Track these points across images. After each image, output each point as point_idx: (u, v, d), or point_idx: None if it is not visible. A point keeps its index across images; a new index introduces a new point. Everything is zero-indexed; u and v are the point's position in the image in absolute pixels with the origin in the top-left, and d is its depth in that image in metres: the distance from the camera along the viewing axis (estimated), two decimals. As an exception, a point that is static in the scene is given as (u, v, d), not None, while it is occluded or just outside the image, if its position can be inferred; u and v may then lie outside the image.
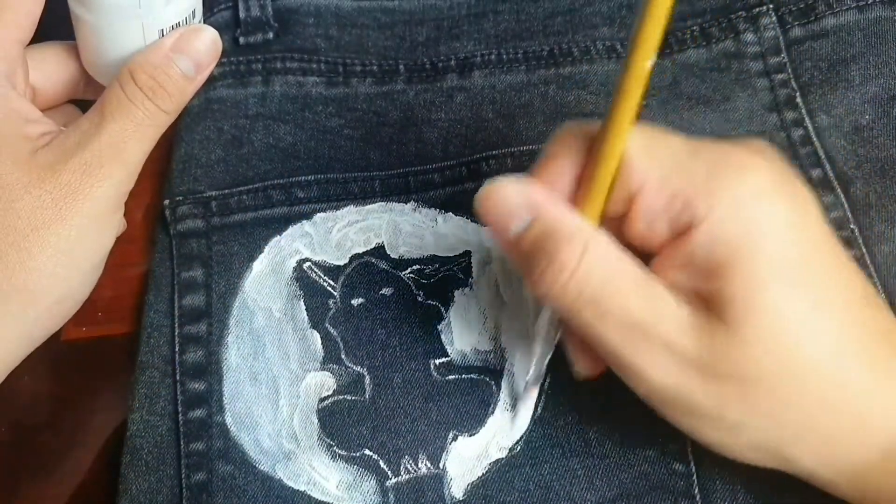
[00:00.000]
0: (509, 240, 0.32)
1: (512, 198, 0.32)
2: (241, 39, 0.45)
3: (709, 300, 0.30)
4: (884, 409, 0.30)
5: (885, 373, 0.30)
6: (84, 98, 0.43)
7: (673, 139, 0.31)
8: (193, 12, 0.41)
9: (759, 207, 0.29)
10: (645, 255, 0.32)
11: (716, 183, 0.30)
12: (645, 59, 0.29)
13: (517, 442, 0.38)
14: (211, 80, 0.45)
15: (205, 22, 0.43)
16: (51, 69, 0.41)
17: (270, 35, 0.46)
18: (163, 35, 0.40)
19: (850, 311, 0.31)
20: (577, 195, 0.32)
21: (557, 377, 0.39)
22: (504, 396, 0.39)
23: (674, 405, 0.32)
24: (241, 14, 0.46)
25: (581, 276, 0.30)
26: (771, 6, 0.44)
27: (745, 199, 0.29)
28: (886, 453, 0.30)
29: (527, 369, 0.37)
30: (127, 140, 0.38)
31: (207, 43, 0.40)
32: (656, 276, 0.31)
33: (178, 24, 0.40)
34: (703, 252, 0.30)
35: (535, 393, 0.38)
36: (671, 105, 0.43)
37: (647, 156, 0.31)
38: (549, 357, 0.37)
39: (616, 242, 0.31)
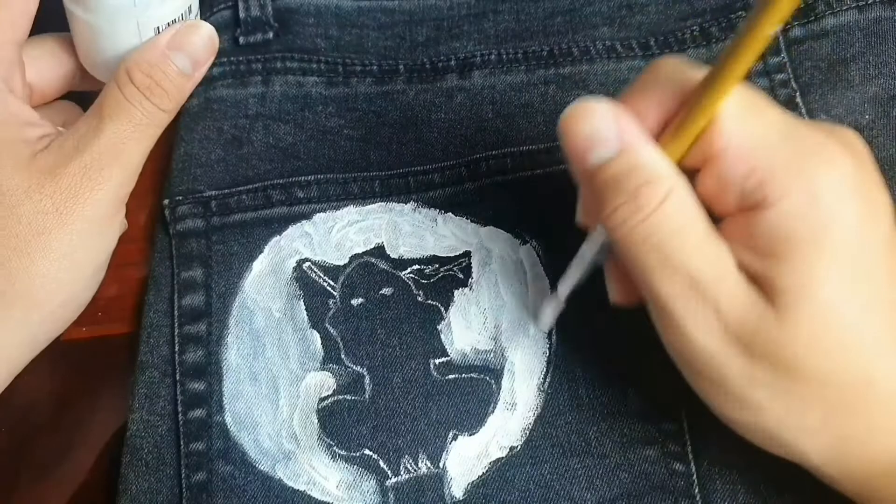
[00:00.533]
0: (586, 167, 0.31)
1: (602, 124, 0.31)
2: (241, 39, 0.45)
3: (762, 281, 0.29)
4: None
5: None
6: (81, 90, 0.43)
7: (770, 112, 0.30)
8: (189, 8, 0.41)
9: (835, 205, 0.29)
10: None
11: (798, 170, 0.29)
12: (771, 26, 0.27)
13: (518, 440, 0.38)
14: (211, 80, 0.45)
15: (204, 20, 0.43)
16: (46, 64, 0.41)
17: (270, 35, 0.46)
18: (158, 32, 0.40)
19: None
20: (661, 137, 0.31)
21: (557, 377, 0.39)
22: (504, 396, 0.39)
23: (704, 372, 0.31)
24: (241, 14, 0.46)
25: (655, 221, 0.30)
26: (771, 6, 0.44)
27: (822, 194, 0.29)
28: None
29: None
30: (126, 141, 0.38)
31: (204, 39, 0.40)
32: (722, 238, 0.30)
33: (173, 21, 0.40)
34: (767, 234, 0.29)
35: (557, 308, 0.38)
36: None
37: (740, 122, 0.30)
38: (581, 279, 0.37)
39: (695, 196, 0.30)
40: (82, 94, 0.43)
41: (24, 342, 0.38)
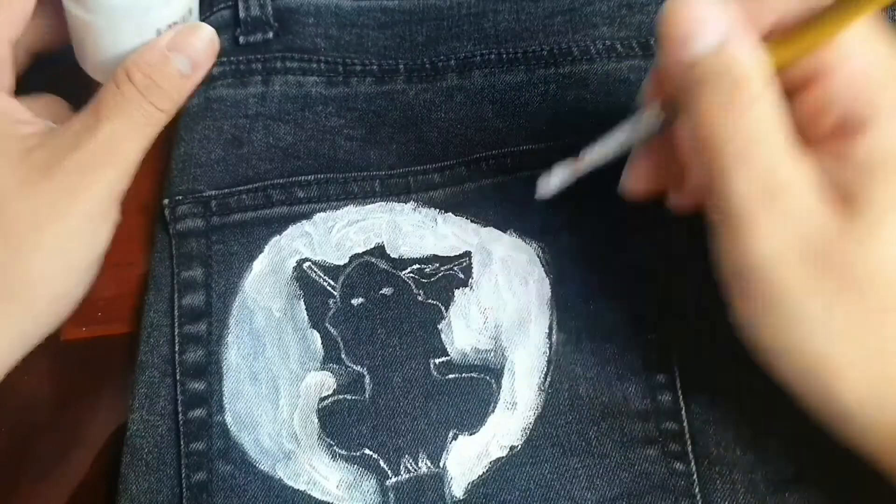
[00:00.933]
0: (683, 58, 0.30)
1: (710, 13, 0.30)
2: (241, 39, 0.45)
3: (851, 198, 0.29)
4: None
5: None
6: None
7: (892, 45, 0.30)
8: (190, 11, 0.41)
9: None
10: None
11: None
12: None
13: (518, 439, 0.38)
14: (210, 80, 0.45)
15: (204, 21, 0.43)
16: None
17: (270, 35, 0.46)
18: (159, 34, 0.40)
19: None
20: (772, 41, 0.30)
21: (558, 376, 0.39)
22: (504, 395, 0.39)
23: (761, 279, 0.30)
24: (241, 13, 0.46)
25: (747, 121, 0.29)
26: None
27: None
28: None
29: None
30: (123, 140, 0.38)
31: (205, 41, 0.40)
32: (808, 153, 0.30)
33: (175, 24, 0.40)
34: (861, 156, 0.29)
35: (569, 175, 0.37)
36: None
37: (862, 44, 0.30)
38: (608, 157, 0.36)
39: (783, 103, 0.30)
40: (72, 93, 0.43)
41: (15, 338, 0.37)
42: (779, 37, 0.31)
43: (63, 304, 0.39)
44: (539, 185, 0.38)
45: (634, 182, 0.35)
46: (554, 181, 0.37)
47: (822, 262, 0.29)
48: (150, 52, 0.39)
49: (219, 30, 0.45)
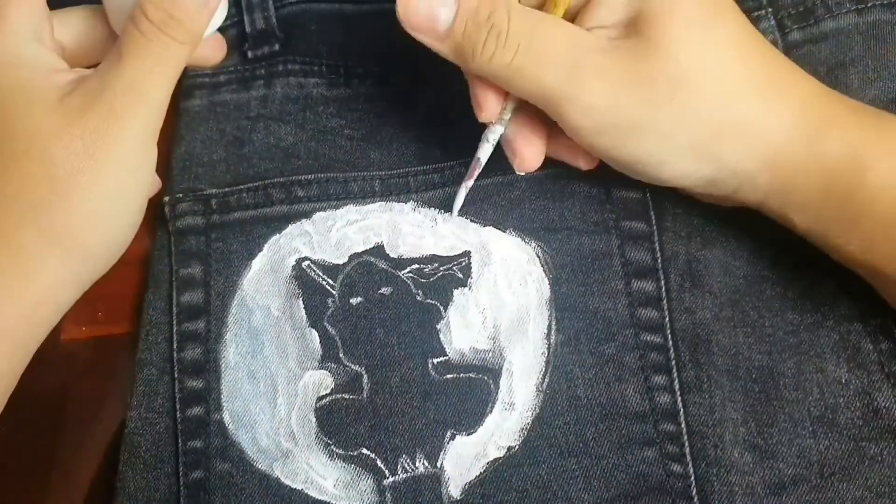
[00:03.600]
0: (442, 33, 0.37)
1: (435, 3, 0.37)
2: (250, 54, 0.46)
3: (632, 27, 0.36)
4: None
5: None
6: None
7: None
8: None
9: None
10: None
11: None
12: None
13: (516, 440, 0.38)
14: (216, 86, 0.45)
15: None
16: (79, 31, 0.42)
17: (277, 47, 0.46)
18: None
19: (744, 36, 0.37)
20: None
21: (556, 377, 0.39)
22: (502, 395, 0.39)
23: (619, 128, 0.36)
24: (247, 27, 0.46)
25: (514, 31, 0.36)
26: (770, 10, 0.44)
27: None
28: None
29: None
30: (147, 77, 0.38)
31: None
32: (574, 25, 0.37)
33: None
34: None
35: (466, 187, 0.41)
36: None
37: None
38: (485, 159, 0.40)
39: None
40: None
41: (68, 281, 0.38)
42: None
43: (112, 247, 0.39)
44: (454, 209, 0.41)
45: (521, 159, 0.40)
46: (458, 201, 0.41)
47: (639, 84, 0.35)
48: None
49: (228, 48, 0.46)
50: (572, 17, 0.38)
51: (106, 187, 0.37)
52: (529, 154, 0.39)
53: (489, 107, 0.39)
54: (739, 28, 0.37)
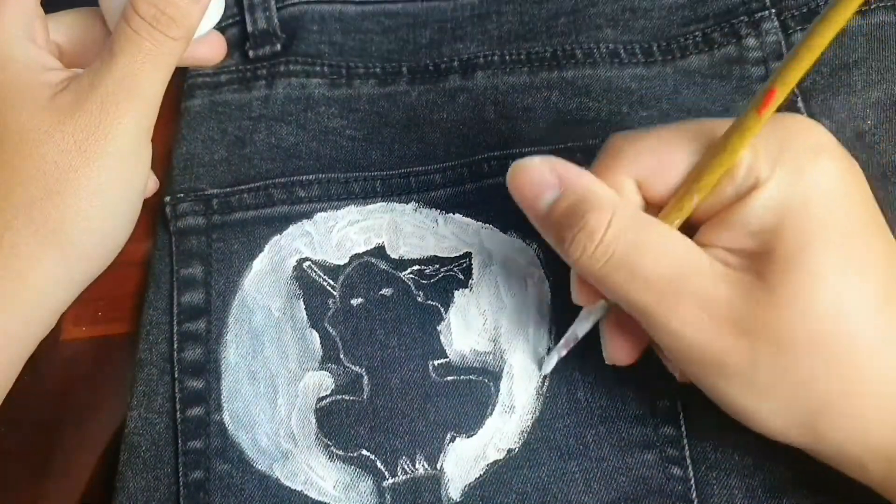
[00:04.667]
0: (541, 213, 0.34)
1: (542, 171, 0.34)
2: (251, 53, 0.46)
3: (753, 258, 0.31)
4: None
5: None
6: None
7: None
8: None
9: (818, 171, 0.31)
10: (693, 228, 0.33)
11: (780, 144, 0.31)
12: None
13: (516, 442, 0.38)
14: (217, 86, 0.45)
15: None
16: (76, 32, 0.42)
17: (278, 47, 0.46)
18: None
19: (890, 282, 0.31)
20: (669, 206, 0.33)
21: (556, 380, 0.39)
22: (503, 398, 0.39)
23: (706, 364, 0.32)
24: (249, 27, 0.46)
25: (609, 239, 0.31)
26: (773, 11, 0.44)
27: (806, 162, 0.31)
28: None
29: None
30: (139, 72, 0.38)
31: None
32: (686, 238, 0.32)
33: None
34: (759, 210, 0.31)
35: (559, 354, 0.39)
36: (672, 117, 0.43)
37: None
38: (577, 340, 0.38)
39: (641, 210, 0.33)
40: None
41: (63, 281, 0.38)
42: (673, 201, 0.33)
43: (107, 245, 0.39)
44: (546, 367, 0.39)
45: (613, 352, 0.37)
46: (548, 366, 0.39)
47: (744, 333, 0.30)
48: None
49: (228, 47, 0.46)
50: (694, 226, 0.33)
51: (99, 184, 0.37)
52: (619, 354, 0.37)
53: (582, 297, 0.36)
54: (885, 275, 0.31)
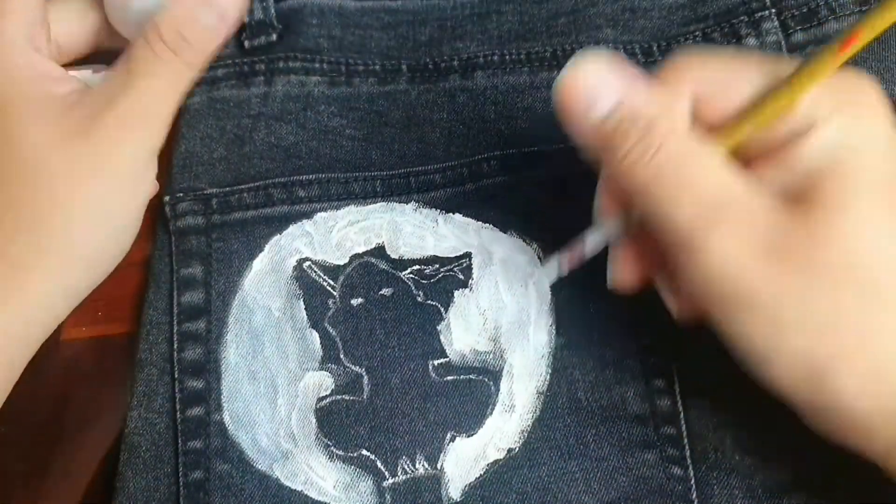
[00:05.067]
0: (591, 123, 0.32)
1: (599, 78, 0.32)
2: (247, 43, 0.46)
3: (799, 198, 0.30)
4: None
5: None
6: (110, 47, 0.44)
7: None
8: None
9: (872, 126, 0.31)
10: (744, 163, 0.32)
11: (839, 95, 0.31)
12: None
13: (516, 442, 0.38)
14: (215, 81, 0.45)
15: None
16: (72, 22, 0.42)
17: (274, 37, 0.46)
18: None
19: None
20: (725, 126, 0.32)
21: (556, 380, 0.39)
22: (503, 397, 0.39)
23: (733, 297, 0.30)
24: (246, 18, 0.46)
25: (669, 149, 0.31)
26: (773, 11, 0.44)
27: (862, 115, 0.31)
28: None
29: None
30: (156, 97, 0.39)
31: None
32: (739, 166, 0.31)
33: None
34: (811, 152, 0.30)
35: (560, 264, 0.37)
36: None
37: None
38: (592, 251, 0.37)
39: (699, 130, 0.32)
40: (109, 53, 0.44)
41: (63, 290, 0.38)
42: (730, 122, 0.32)
43: (108, 257, 0.40)
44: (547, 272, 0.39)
45: (621, 277, 0.36)
46: (550, 273, 0.38)
47: (784, 259, 0.29)
48: (178, 7, 0.40)
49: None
50: (745, 160, 0.32)
51: (106, 198, 0.38)
52: (626, 276, 0.36)
53: (605, 206, 0.35)
54: None
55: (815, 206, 0.30)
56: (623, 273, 0.36)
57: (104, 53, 0.44)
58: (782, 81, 0.31)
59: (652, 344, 0.39)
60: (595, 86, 0.32)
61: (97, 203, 0.38)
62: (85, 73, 0.42)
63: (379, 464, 0.38)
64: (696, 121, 0.32)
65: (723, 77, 0.32)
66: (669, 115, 0.31)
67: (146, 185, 0.40)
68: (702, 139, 0.31)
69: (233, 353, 0.40)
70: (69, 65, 0.43)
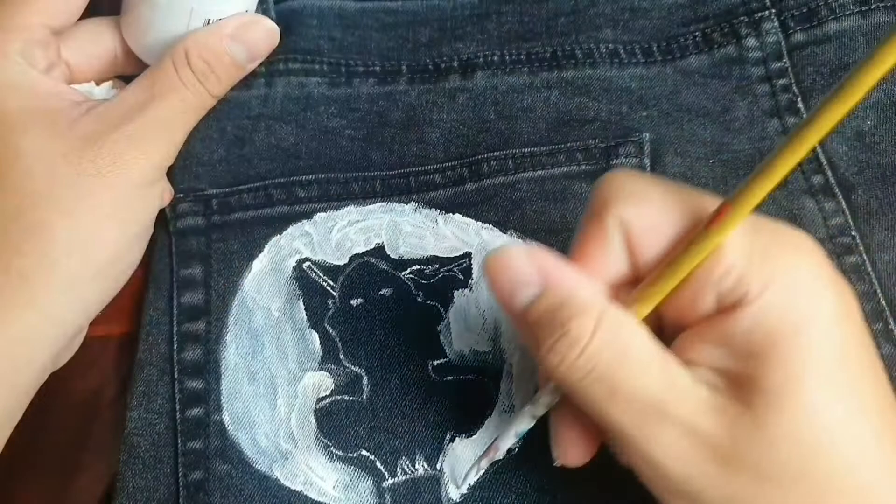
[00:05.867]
0: (517, 310, 0.30)
1: (521, 265, 0.30)
2: None
3: (739, 384, 0.28)
4: None
5: None
6: (124, 73, 0.44)
7: None
8: (246, 12, 0.42)
9: (813, 295, 0.28)
10: (668, 333, 0.30)
11: (776, 260, 0.28)
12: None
13: (516, 442, 0.38)
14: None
15: None
16: (86, 46, 0.42)
17: None
18: (207, 24, 0.41)
19: (884, 418, 0.28)
20: (649, 276, 0.30)
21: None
22: (502, 398, 0.39)
23: (682, 492, 0.28)
24: None
25: (592, 351, 0.28)
26: (773, 11, 0.44)
27: (800, 284, 0.28)
28: None
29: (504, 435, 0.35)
30: (174, 119, 0.39)
31: (265, 34, 0.42)
32: (672, 354, 0.29)
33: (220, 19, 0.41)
34: (746, 332, 0.28)
35: (479, 467, 0.37)
36: (672, 117, 0.43)
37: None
38: (522, 434, 0.35)
39: (629, 315, 0.29)
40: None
41: (74, 302, 0.38)
42: (657, 270, 0.29)
43: (119, 267, 0.39)
44: (460, 480, 0.38)
45: (565, 456, 0.33)
46: (471, 477, 0.37)
47: (732, 464, 0.27)
48: (211, 37, 0.40)
49: None
50: (676, 326, 0.30)
51: (115, 209, 0.38)
52: (572, 451, 0.33)
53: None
54: (882, 406, 0.28)
55: (759, 395, 0.27)
56: (568, 446, 0.33)
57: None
58: (698, 228, 0.28)
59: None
60: (518, 274, 0.30)
61: (106, 212, 0.38)
62: (87, 87, 0.42)
63: (378, 464, 0.38)
64: (620, 286, 0.30)
65: (647, 213, 0.29)
66: (597, 304, 0.29)
67: (156, 196, 0.40)
68: (634, 328, 0.29)
69: (232, 354, 0.40)
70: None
